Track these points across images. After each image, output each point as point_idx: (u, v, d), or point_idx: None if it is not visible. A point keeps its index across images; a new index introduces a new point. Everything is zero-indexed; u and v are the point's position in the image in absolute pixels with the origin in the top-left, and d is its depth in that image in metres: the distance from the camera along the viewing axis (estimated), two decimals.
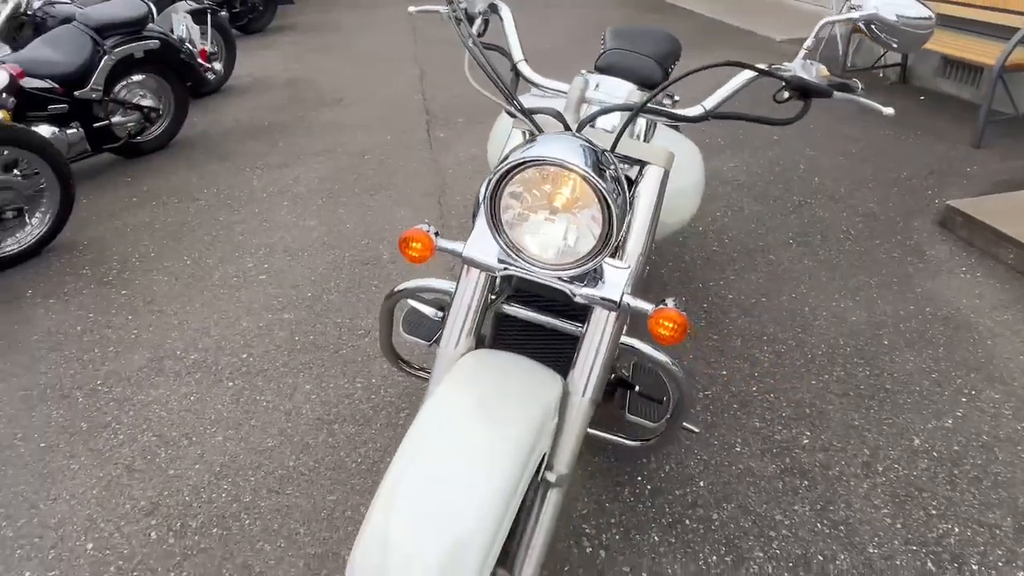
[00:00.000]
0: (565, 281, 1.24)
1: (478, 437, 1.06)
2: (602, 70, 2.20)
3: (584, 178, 1.07)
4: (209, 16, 5.19)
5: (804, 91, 1.31)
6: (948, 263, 2.78)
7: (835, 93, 1.32)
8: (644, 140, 1.53)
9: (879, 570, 1.61)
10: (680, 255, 2.91)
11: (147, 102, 4.08)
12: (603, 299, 1.21)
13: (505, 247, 1.20)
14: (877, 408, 2.07)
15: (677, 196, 1.57)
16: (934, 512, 1.74)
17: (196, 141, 4.46)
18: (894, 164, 3.68)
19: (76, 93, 3.64)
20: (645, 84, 2.11)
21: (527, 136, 1.37)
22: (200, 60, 4.33)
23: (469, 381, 1.17)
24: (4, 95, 3.30)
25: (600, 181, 1.08)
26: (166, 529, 1.76)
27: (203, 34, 5.16)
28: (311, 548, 1.70)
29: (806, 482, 1.84)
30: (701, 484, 1.84)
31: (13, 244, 3.00)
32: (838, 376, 2.20)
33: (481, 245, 1.26)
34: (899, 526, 1.71)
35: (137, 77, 4.02)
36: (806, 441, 1.96)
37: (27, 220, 2.99)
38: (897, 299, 2.57)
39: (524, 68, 1.47)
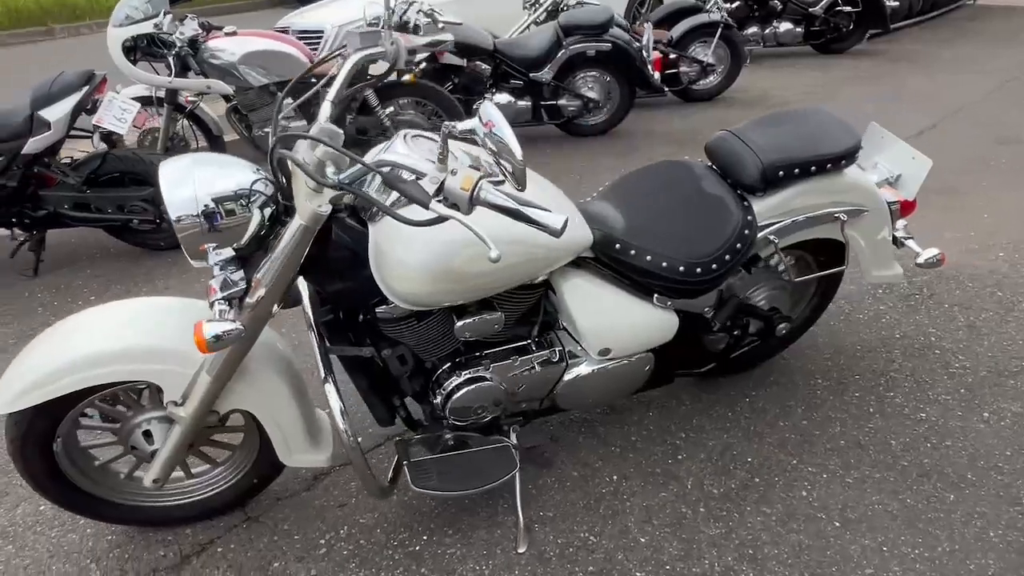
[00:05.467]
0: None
1: (89, 331, 1.54)
2: (708, 151, 1.95)
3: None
4: (720, 30, 5.50)
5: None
6: None
7: (432, 203, 1.12)
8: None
9: None
10: (807, 429, 2.17)
11: (591, 94, 4.82)
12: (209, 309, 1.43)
13: None
14: None
15: (397, 266, 1.45)
16: None
17: (630, 135, 5.03)
18: None
19: (531, 74, 4.65)
20: (732, 181, 1.82)
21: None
22: (653, 68, 4.79)
23: (143, 302, 1.61)
24: (481, 63, 4.54)
25: (168, 205, 1.34)
26: None
27: (706, 46, 5.54)
28: None
29: None
30: None
31: None
32: None
33: None
34: None
35: (590, 72, 4.78)
36: None
37: None
38: None
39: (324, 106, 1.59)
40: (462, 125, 1.17)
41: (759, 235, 1.86)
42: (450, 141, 1.39)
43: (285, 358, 1.74)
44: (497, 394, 1.78)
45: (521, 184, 1.10)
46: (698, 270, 1.75)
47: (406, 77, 3.85)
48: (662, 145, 4.80)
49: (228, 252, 1.43)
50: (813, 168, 1.82)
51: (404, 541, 1.83)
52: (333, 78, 1.56)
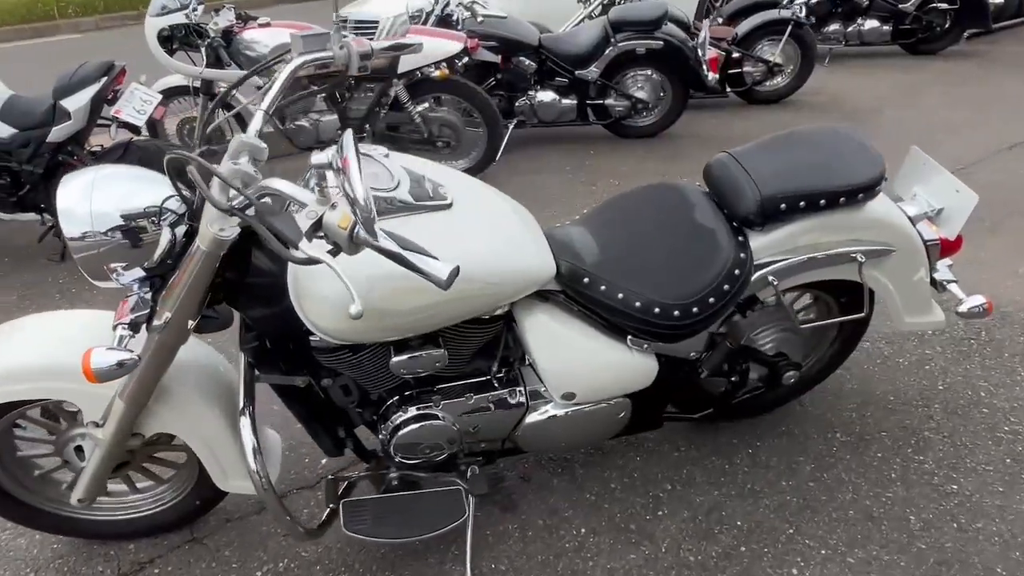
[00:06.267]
0: None
1: (17, 344, 1.48)
2: (705, 175, 1.74)
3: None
4: (790, 28, 5.10)
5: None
6: None
7: (301, 242, 0.97)
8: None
9: None
10: (813, 492, 1.91)
11: (640, 94, 4.55)
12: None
13: None
14: None
15: (314, 297, 1.30)
16: None
17: (682, 138, 4.74)
18: None
19: (576, 72, 4.43)
20: (728, 212, 1.59)
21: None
22: (709, 68, 4.47)
23: (80, 315, 1.54)
24: (526, 59, 4.37)
25: (66, 222, 1.25)
26: None
27: (774, 44, 5.16)
28: None
29: None
30: None
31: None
32: None
33: None
34: None
35: (641, 71, 4.51)
36: None
37: (458, 152, 4.04)
38: None
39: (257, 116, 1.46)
40: (316, 158, 1.01)
41: (756, 275, 1.62)
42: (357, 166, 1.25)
43: (222, 380, 1.64)
44: (449, 434, 1.63)
45: (371, 236, 0.94)
46: (676, 313, 1.54)
47: (435, 73, 3.71)
48: (715, 151, 4.46)
49: (138, 272, 1.33)
50: (822, 202, 1.56)
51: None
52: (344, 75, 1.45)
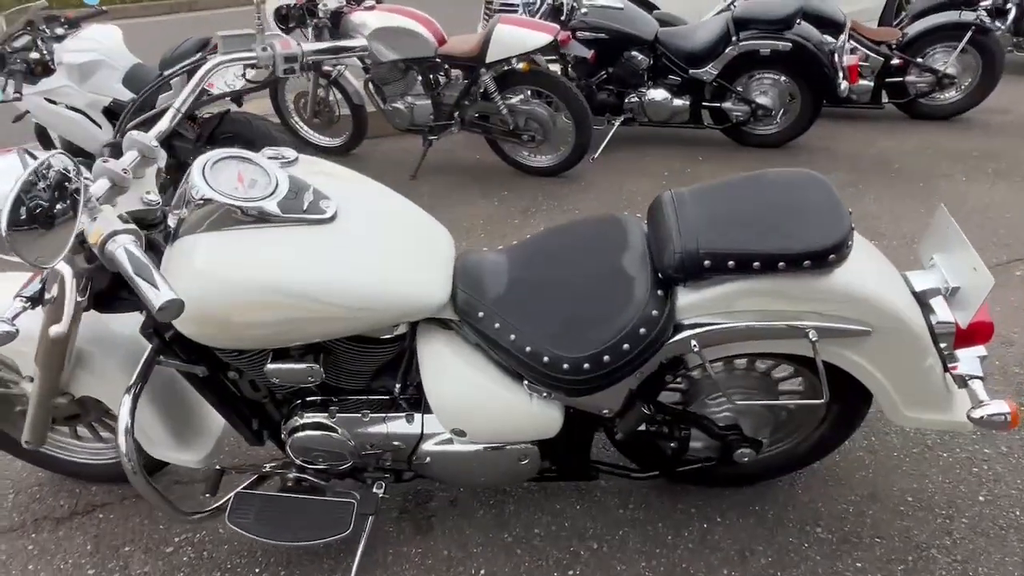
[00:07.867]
0: None
1: None
2: (648, 213, 1.58)
3: None
4: (969, 34, 4.34)
5: None
6: None
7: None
8: None
9: None
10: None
11: (762, 99, 4.12)
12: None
13: None
14: None
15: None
16: None
17: (809, 151, 4.25)
18: None
19: (691, 71, 4.10)
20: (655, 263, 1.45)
21: None
22: (847, 77, 3.92)
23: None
24: (639, 54, 4.13)
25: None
26: None
27: (950, 52, 4.43)
28: None
29: None
30: None
31: (537, 162, 4.04)
32: None
33: None
34: None
35: (767, 74, 4.08)
36: None
37: (546, 147, 3.93)
38: None
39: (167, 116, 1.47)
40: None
41: (678, 336, 1.39)
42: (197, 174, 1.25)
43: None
44: (345, 447, 1.61)
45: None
46: (565, 366, 1.37)
47: (519, 65, 3.61)
48: (842, 171, 3.97)
49: None
50: (756, 264, 1.30)
51: (237, 566, 1.75)
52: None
